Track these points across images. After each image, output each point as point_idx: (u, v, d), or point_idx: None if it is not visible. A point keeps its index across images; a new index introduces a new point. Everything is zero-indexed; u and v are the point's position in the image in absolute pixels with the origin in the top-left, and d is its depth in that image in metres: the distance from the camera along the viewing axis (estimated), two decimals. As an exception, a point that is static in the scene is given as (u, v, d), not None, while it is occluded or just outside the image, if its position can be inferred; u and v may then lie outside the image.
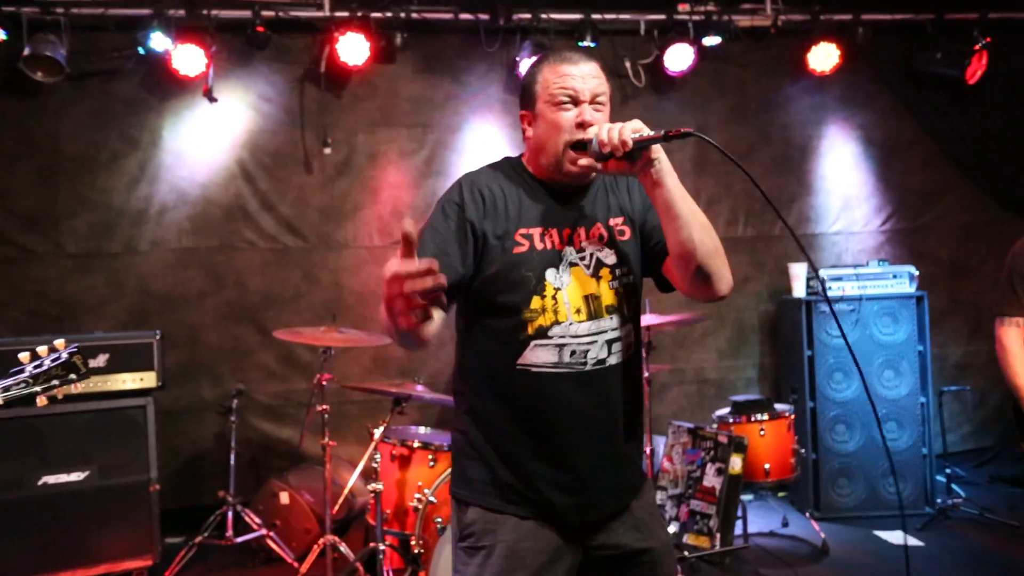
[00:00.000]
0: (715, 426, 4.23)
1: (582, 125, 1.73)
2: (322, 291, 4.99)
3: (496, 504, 1.77)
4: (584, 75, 1.76)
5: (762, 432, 4.14)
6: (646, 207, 1.89)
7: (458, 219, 1.75)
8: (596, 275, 1.80)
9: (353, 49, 4.67)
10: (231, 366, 4.86)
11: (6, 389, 1.91)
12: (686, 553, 3.87)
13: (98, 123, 4.69)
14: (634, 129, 1.63)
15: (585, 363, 1.77)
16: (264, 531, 4.09)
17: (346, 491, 3.92)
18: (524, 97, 1.85)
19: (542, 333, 1.74)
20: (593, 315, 1.77)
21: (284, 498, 4.21)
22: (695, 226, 1.70)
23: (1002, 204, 5.68)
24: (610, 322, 1.80)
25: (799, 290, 4.88)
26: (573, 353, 1.76)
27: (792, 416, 4.30)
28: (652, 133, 1.62)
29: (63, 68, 4.34)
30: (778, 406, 4.37)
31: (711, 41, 5.06)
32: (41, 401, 1.95)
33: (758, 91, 5.51)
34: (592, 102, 1.76)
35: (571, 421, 1.76)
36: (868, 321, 4.71)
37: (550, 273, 1.76)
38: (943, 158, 5.67)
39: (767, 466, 4.11)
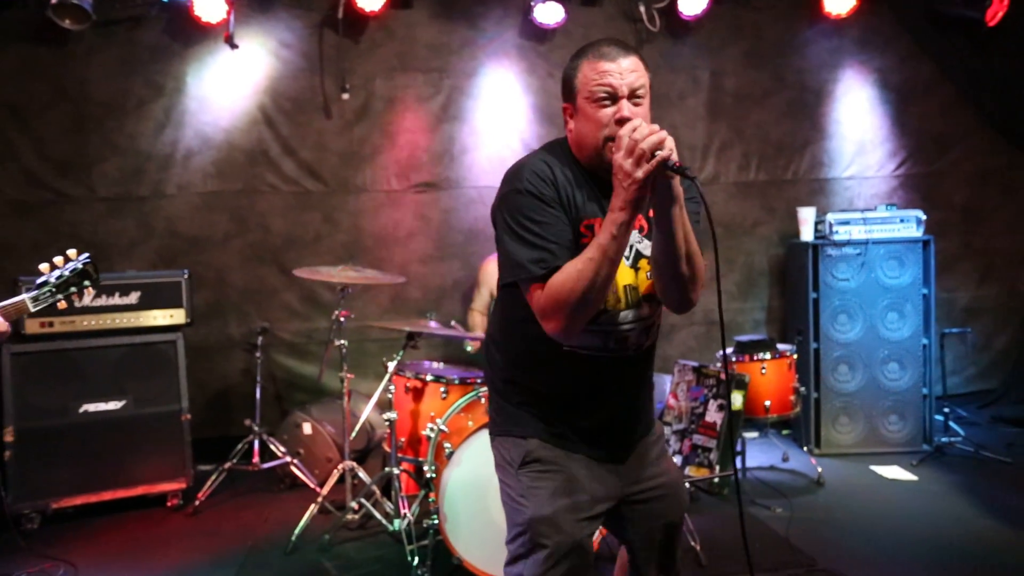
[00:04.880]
0: (718, 364, 4.38)
1: (621, 121, 1.76)
2: (342, 233, 5.16)
3: (553, 442, 1.97)
4: (623, 71, 1.79)
5: (763, 370, 4.29)
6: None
7: (554, 200, 1.82)
8: (635, 265, 1.91)
9: (369, -6, 4.74)
10: (256, 305, 5.09)
11: (35, 299, 2.18)
12: (686, 483, 4.07)
13: (124, 70, 4.85)
14: (658, 142, 1.64)
15: (628, 349, 1.95)
16: (288, 459, 4.35)
17: (363, 418, 4.14)
18: (565, 90, 1.90)
19: (591, 320, 1.85)
20: (632, 304, 1.91)
21: (307, 429, 4.47)
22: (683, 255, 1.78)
23: (1022, 148, 5.63)
24: (646, 310, 1.94)
25: (807, 234, 4.95)
26: (617, 340, 1.92)
27: (794, 356, 4.43)
28: (667, 155, 1.65)
29: (90, 15, 4.47)
30: (780, 346, 4.50)
31: (726, -17, 5.04)
32: (61, 305, 2.21)
33: (774, 35, 5.49)
34: (630, 97, 1.80)
35: (611, 392, 1.98)
36: (874, 264, 4.78)
37: None
38: (961, 102, 5.63)
39: (767, 403, 4.26)
